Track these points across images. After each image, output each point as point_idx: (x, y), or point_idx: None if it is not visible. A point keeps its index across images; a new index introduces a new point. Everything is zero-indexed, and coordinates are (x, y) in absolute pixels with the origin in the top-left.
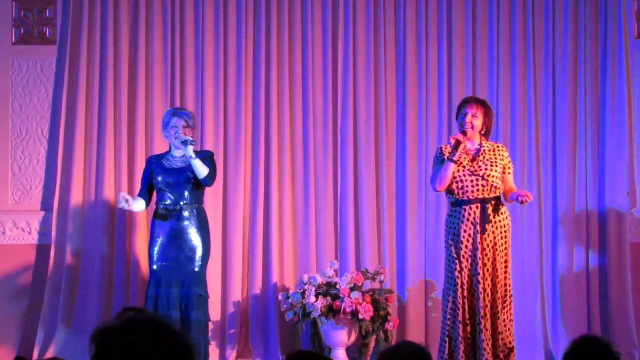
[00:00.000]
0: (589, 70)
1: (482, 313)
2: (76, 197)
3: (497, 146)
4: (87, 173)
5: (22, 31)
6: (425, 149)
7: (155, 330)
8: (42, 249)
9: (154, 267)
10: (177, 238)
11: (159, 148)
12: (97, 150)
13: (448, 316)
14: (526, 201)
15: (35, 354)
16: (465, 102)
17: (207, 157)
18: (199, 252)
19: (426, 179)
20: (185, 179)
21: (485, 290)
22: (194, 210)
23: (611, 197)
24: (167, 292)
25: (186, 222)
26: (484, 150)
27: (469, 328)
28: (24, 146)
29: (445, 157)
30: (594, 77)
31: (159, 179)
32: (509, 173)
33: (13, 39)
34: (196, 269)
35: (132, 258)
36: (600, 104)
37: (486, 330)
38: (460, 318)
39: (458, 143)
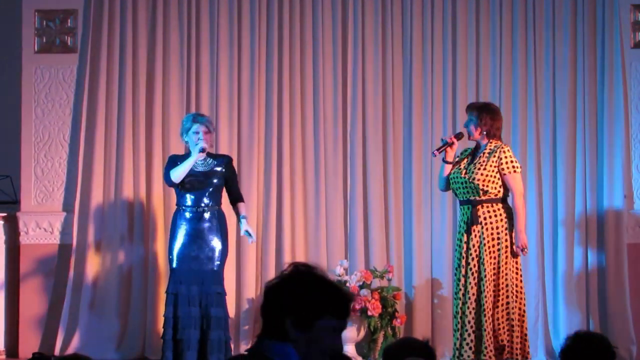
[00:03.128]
0: (587, 79)
1: (470, 310)
2: (96, 198)
3: (499, 148)
4: (107, 175)
5: (44, 40)
6: (431, 152)
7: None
8: (63, 249)
9: (175, 265)
10: (198, 238)
11: (176, 151)
12: (116, 154)
13: (458, 310)
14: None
15: (57, 349)
16: (466, 108)
17: (231, 171)
18: (218, 252)
19: (432, 181)
20: (208, 183)
21: (472, 288)
22: (215, 212)
23: (609, 200)
24: (188, 289)
25: (207, 224)
26: (484, 152)
27: (472, 322)
28: (47, 150)
29: (442, 159)
30: (592, 85)
31: (187, 179)
32: (507, 172)
33: (36, 48)
34: (215, 268)
35: (150, 256)
36: (599, 111)
37: (481, 326)
38: (466, 313)
39: (445, 144)
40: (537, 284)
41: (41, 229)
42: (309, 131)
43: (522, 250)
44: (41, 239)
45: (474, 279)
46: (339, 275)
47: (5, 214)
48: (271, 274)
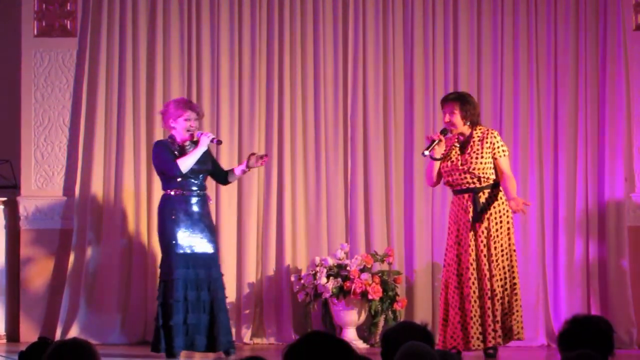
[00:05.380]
0: (589, 62)
1: (484, 298)
2: (97, 183)
3: (488, 133)
4: (107, 160)
5: (43, 24)
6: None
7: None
8: (64, 233)
9: (180, 250)
10: (200, 222)
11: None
12: (117, 138)
13: (442, 299)
14: (520, 211)
15: (58, 334)
16: (441, 102)
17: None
18: (214, 235)
19: None
20: (206, 167)
21: (485, 276)
22: (206, 196)
23: (610, 183)
24: (196, 274)
25: (205, 208)
26: (473, 141)
27: (458, 312)
28: (47, 134)
29: (430, 156)
30: (593, 68)
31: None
32: (499, 157)
33: (35, 32)
34: (215, 251)
35: (151, 240)
36: (600, 94)
37: (488, 315)
38: (452, 303)
39: (433, 141)
40: (539, 267)
41: (41, 213)
42: (310, 116)
43: (523, 206)
44: (41, 224)
45: (485, 264)
46: (340, 259)
47: (5, 199)
48: (271, 259)
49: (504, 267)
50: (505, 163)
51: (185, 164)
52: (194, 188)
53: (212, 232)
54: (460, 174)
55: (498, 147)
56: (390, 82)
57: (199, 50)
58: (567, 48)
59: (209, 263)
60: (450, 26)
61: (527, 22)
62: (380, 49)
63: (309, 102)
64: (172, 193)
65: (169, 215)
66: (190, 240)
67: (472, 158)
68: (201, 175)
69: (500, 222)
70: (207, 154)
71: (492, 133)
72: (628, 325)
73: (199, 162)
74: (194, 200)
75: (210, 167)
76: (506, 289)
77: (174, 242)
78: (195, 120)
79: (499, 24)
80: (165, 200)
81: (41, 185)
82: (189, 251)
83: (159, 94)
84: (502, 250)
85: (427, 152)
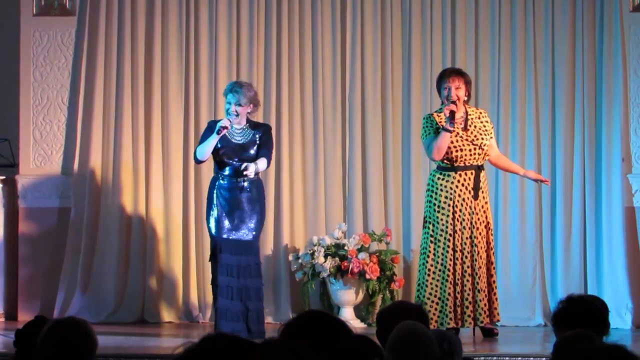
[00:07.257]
0: (586, 42)
1: (479, 274)
2: (95, 162)
3: (481, 113)
4: (106, 139)
5: (42, 3)
6: (447, 128)
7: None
8: (62, 212)
9: (214, 233)
10: (237, 208)
11: (175, 114)
12: (115, 117)
13: (434, 276)
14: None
15: (56, 313)
16: (445, 76)
17: (265, 139)
18: (255, 222)
19: None
20: (245, 156)
21: (478, 252)
22: (253, 182)
23: (607, 163)
24: (227, 259)
25: (246, 194)
26: (471, 118)
27: (458, 288)
28: (45, 113)
29: (441, 127)
30: (591, 49)
31: (222, 150)
32: (493, 136)
33: (34, 11)
34: (253, 239)
35: (149, 219)
36: (597, 75)
37: (482, 290)
38: (450, 279)
39: (453, 113)
40: (534, 247)
41: (40, 192)
42: (308, 95)
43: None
44: (40, 203)
45: (479, 242)
46: (337, 239)
47: (3, 177)
48: (269, 238)
49: (492, 247)
50: (495, 143)
51: (200, 151)
52: (227, 173)
53: (253, 219)
54: (471, 150)
55: (492, 127)
56: (388, 63)
57: (197, 30)
58: (565, 29)
59: (243, 250)
60: (448, 7)
61: (524, 3)
62: (378, 29)
63: (306, 82)
64: (218, 177)
65: (211, 199)
66: (225, 226)
67: (481, 135)
68: (234, 162)
69: (488, 201)
70: (248, 145)
71: (485, 113)
72: (623, 306)
73: (235, 151)
74: (227, 185)
75: (248, 156)
76: (495, 268)
77: (209, 225)
78: (236, 105)
79: (497, 6)
80: (211, 181)
81: (40, 164)
82: (225, 236)
83: (157, 72)
84: (491, 229)
85: (452, 125)
